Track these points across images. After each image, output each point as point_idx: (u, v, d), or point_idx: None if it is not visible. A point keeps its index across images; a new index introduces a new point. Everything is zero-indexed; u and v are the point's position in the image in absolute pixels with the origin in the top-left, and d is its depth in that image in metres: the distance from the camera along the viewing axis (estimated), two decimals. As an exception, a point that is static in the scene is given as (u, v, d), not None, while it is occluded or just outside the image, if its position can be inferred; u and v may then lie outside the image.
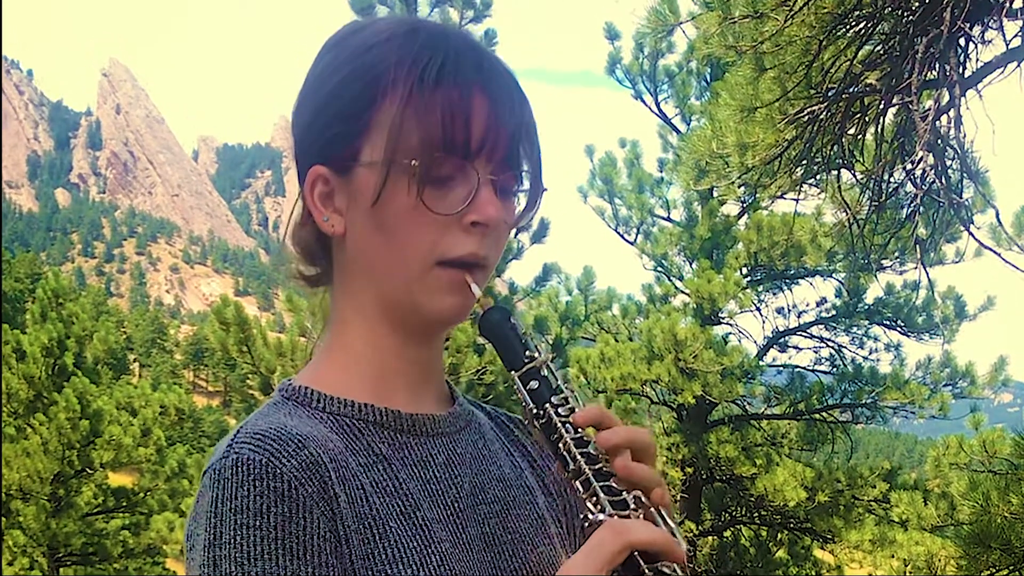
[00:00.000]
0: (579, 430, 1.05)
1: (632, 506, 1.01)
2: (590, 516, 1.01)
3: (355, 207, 1.11)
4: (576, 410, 1.06)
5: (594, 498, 1.02)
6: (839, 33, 5.00)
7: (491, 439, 1.27)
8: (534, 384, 1.08)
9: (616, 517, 1.00)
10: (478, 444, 1.23)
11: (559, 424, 1.06)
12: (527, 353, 1.09)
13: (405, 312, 1.13)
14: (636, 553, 0.96)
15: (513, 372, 1.09)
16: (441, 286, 1.11)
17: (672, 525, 1.02)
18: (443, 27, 1.13)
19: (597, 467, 1.03)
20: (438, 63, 1.07)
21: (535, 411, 1.07)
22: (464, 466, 1.18)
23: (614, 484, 1.02)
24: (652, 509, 1.02)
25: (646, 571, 0.96)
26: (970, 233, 5.62)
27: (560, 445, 1.05)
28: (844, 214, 5.77)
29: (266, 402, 1.14)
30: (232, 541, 0.94)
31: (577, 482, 1.04)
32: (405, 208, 1.08)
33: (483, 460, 1.22)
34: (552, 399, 1.07)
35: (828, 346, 16.05)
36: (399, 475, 1.10)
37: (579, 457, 1.04)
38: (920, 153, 4.94)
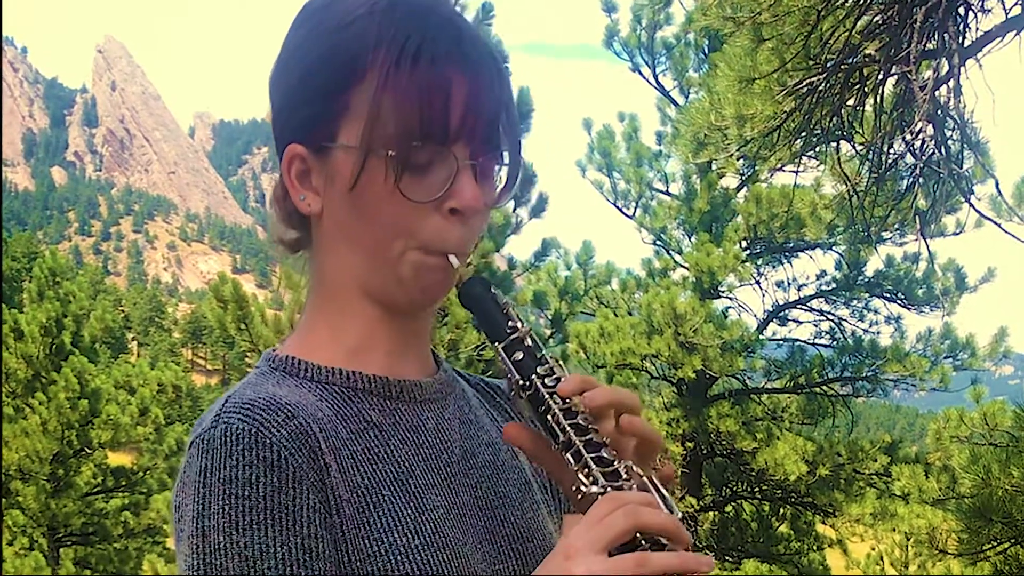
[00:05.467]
0: (567, 400, 1.04)
1: (624, 476, 1.00)
2: (583, 488, 1.00)
3: (332, 188, 1.10)
4: (562, 379, 1.05)
5: (586, 469, 1.01)
6: (837, 3, 4.96)
7: (475, 405, 1.27)
8: (519, 355, 1.07)
9: (610, 490, 0.98)
10: (464, 409, 1.22)
11: (546, 395, 1.05)
12: (509, 324, 1.08)
13: (385, 289, 1.11)
14: (639, 534, 0.95)
15: (496, 343, 1.08)
16: (422, 267, 1.09)
17: (664, 493, 1.01)
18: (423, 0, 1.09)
19: (587, 437, 1.02)
20: (415, 44, 1.04)
21: (521, 382, 1.06)
22: (453, 432, 1.17)
23: (605, 454, 1.01)
24: (644, 479, 1.01)
25: (644, 547, 0.94)
26: (970, 204, 5.61)
27: (549, 416, 1.04)
28: (844, 186, 5.75)
29: (252, 372, 1.13)
30: (221, 511, 0.94)
31: (568, 454, 1.02)
32: (382, 194, 1.06)
33: (471, 425, 1.21)
34: (538, 369, 1.06)
35: (828, 319, 16.08)
36: (390, 441, 1.10)
37: (568, 428, 1.03)
38: (920, 124, 4.92)
